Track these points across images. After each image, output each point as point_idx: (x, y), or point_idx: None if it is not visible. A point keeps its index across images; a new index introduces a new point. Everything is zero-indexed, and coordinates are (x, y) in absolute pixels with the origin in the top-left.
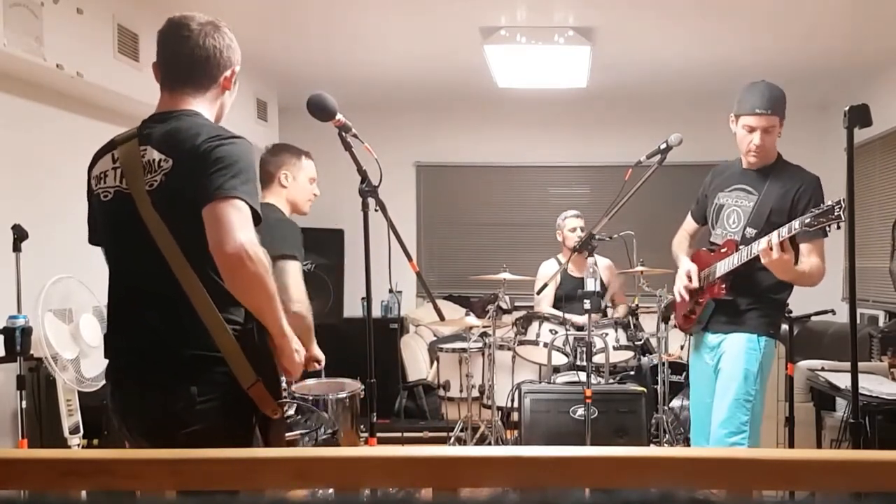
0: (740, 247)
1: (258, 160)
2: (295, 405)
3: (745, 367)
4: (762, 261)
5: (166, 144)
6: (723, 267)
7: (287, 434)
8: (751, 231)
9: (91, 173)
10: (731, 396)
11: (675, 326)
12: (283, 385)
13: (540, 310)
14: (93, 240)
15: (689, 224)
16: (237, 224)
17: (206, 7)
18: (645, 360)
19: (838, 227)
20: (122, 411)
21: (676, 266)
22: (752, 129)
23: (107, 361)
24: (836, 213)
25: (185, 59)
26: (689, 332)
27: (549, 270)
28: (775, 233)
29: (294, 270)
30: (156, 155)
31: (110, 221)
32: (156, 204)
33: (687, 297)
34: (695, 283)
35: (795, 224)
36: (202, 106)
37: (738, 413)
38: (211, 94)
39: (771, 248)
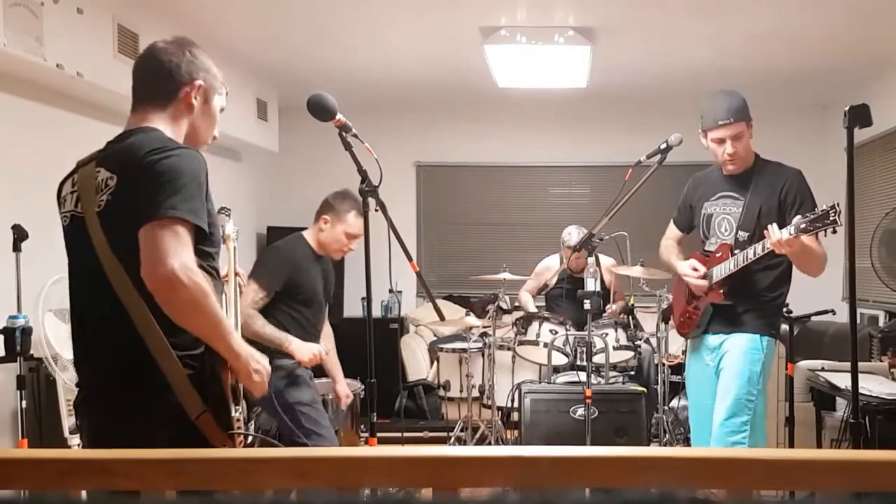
0: (735, 251)
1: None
2: (258, 441)
3: (748, 367)
4: (781, 252)
5: (115, 162)
6: (719, 272)
7: None
8: (743, 234)
9: (58, 198)
10: (732, 396)
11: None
12: (238, 416)
13: (521, 298)
14: None
15: (674, 232)
16: (170, 249)
17: (205, 9)
18: (645, 346)
19: (834, 232)
20: (88, 439)
21: (670, 272)
22: (721, 141)
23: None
24: (830, 219)
25: (140, 75)
26: (688, 336)
27: (547, 265)
28: (778, 232)
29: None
30: (105, 174)
31: (68, 246)
32: (103, 225)
33: (686, 297)
34: (702, 271)
35: (791, 229)
36: (162, 124)
37: (740, 413)
38: (171, 111)
39: (781, 243)
